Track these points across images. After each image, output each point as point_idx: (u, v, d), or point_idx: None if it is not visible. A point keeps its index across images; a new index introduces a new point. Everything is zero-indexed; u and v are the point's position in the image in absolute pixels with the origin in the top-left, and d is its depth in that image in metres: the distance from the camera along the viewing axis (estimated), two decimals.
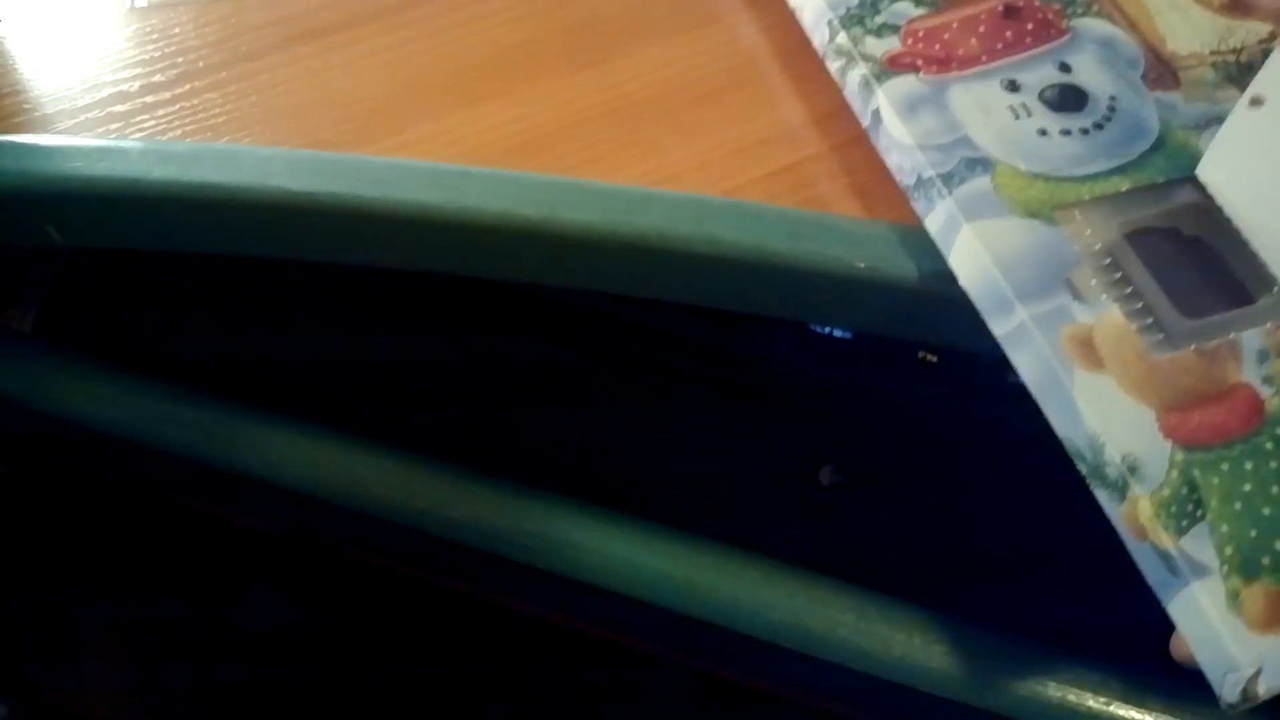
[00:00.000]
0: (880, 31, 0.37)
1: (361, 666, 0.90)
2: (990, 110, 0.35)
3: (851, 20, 0.37)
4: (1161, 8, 0.38)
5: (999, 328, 0.32)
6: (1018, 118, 0.35)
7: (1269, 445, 0.29)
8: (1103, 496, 0.30)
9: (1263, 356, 0.30)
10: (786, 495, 0.51)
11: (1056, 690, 0.44)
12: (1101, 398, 0.30)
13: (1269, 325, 0.31)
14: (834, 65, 0.37)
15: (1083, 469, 0.30)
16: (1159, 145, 0.34)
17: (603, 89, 0.39)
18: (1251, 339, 0.31)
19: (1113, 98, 0.35)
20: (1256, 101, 0.33)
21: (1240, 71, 0.36)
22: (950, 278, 0.33)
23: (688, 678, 0.61)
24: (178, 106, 0.38)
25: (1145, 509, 0.29)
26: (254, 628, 0.94)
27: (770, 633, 0.45)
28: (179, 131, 0.37)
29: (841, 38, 0.37)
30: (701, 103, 0.39)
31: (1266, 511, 0.28)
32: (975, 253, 0.32)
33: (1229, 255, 0.33)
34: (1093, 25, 0.37)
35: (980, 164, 0.34)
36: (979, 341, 0.33)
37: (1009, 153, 0.34)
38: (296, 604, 0.93)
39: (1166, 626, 0.29)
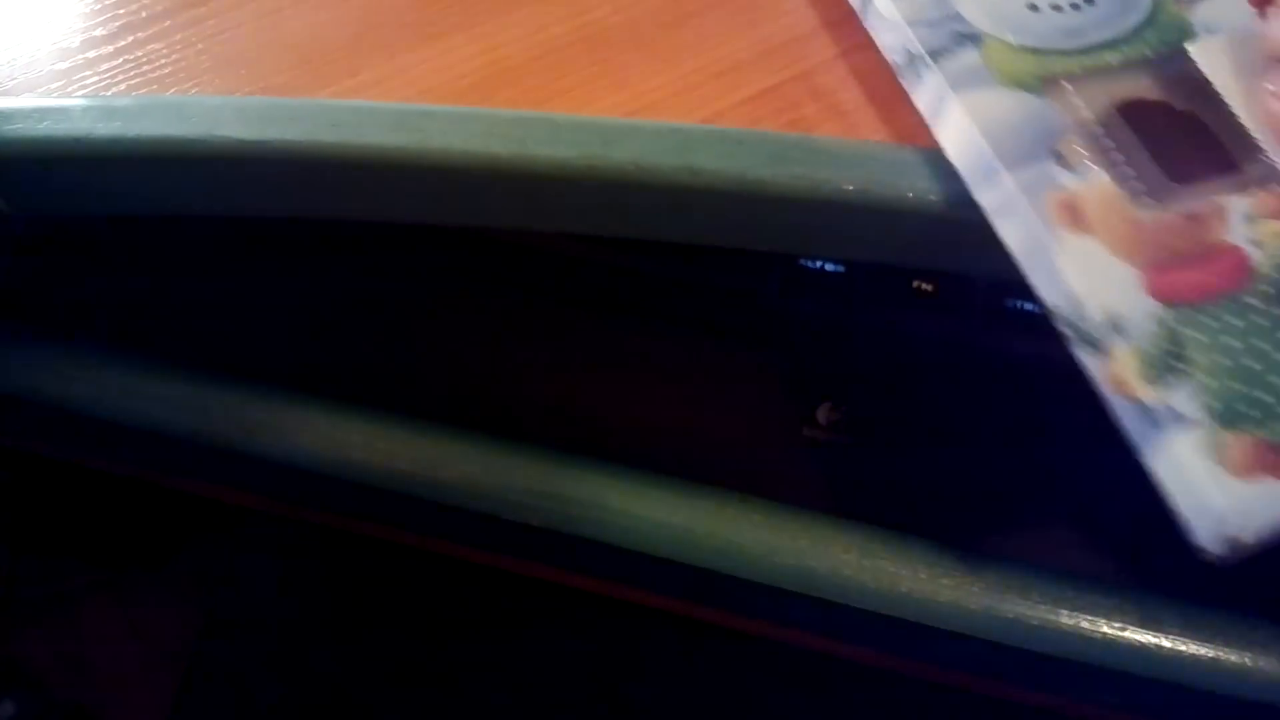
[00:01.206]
0: None
1: (364, 639, 0.89)
2: None
3: None
4: None
5: (987, 199, 0.32)
6: None
7: (1256, 301, 0.30)
8: (1086, 357, 0.30)
9: (1249, 220, 0.31)
10: (783, 436, 0.49)
11: (1069, 618, 0.43)
12: (1086, 259, 0.30)
13: (1255, 190, 0.31)
14: None
15: (1067, 332, 0.30)
16: (1151, 19, 0.34)
17: (570, 16, 0.37)
18: (1238, 203, 0.31)
19: None
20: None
21: None
22: (944, 198, 0.33)
23: (692, 629, 0.60)
24: (120, 60, 0.36)
25: (1127, 362, 0.29)
26: (256, 608, 0.93)
27: (773, 576, 0.43)
28: (123, 86, 0.35)
29: None
30: (675, 26, 0.37)
31: (1253, 365, 0.29)
32: (963, 124, 0.32)
33: (1218, 127, 0.33)
34: None
35: (970, 38, 0.34)
36: (974, 263, 0.31)
37: (999, 26, 0.34)
38: (297, 580, 0.92)
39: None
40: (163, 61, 0.36)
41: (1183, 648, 0.42)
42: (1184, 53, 0.34)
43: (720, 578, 0.44)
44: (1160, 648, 0.42)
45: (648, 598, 0.49)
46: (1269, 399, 0.28)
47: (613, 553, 0.45)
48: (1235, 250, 0.30)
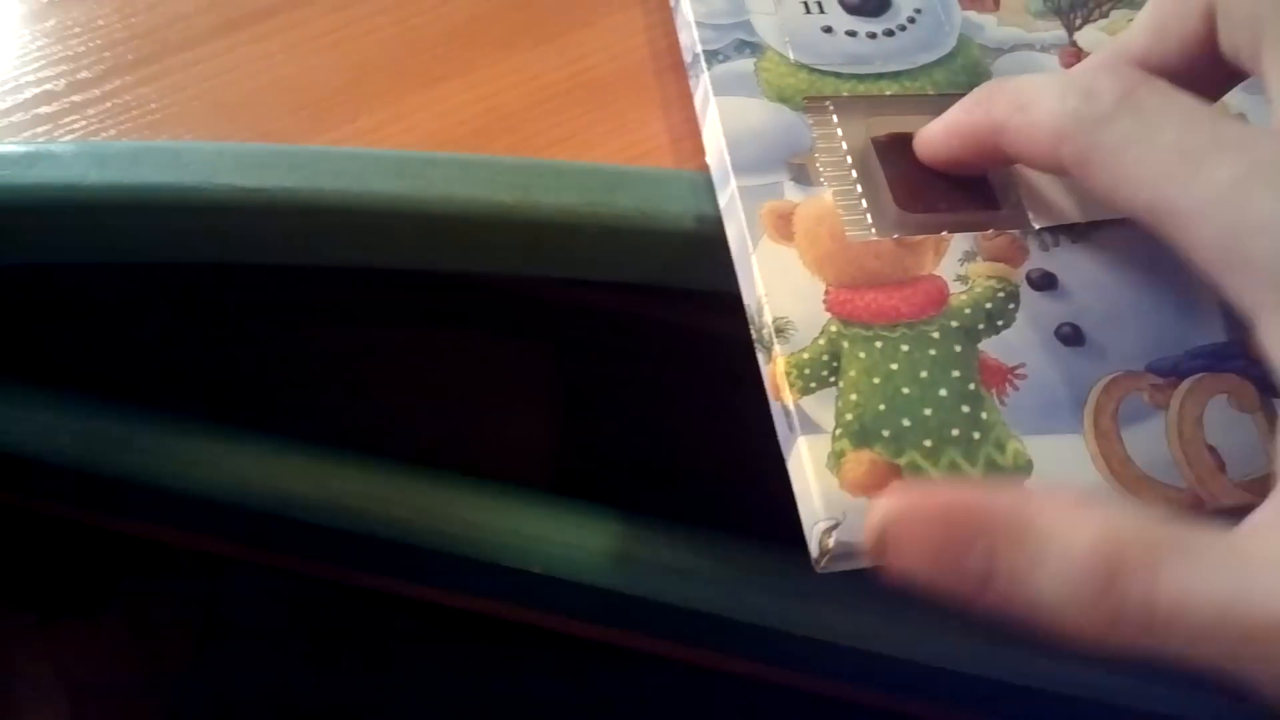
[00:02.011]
0: None
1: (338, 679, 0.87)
2: (784, 1, 0.36)
3: None
4: None
5: (720, 201, 0.33)
6: (808, 12, 0.36)
7: (936, 334, 0.30)
8: (761, 360, 0.30)
9: (968, 257, 0.32)
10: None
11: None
12: (777, 265, 0.31)
13: (990, 233, 0.32)
14: None
15: (753, 334, 0.31)
16: (948, 60, 0.36)
17: (565, 63, 0.37)
18: (964, 240, 0.32)
19: (918, 10, 0.37)
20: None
21: (1071, 5, 0.38)
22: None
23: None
24: (109, 104, 0.35)
25: (780, 367, 0.29)
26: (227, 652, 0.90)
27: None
28: (113, 131, 0.35)
29: None
30: (670, 72, 0.37)
31: (906, 391, 0.29)
32: (715, 128, 0.33)
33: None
34: None
35: (750, 47, 0.35)
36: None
37: (782, 41, 0.35)
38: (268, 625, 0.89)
39: None
40: (153, 106, 0.35)
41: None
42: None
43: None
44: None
45: (636, 640, 0.49)
46: (908, 425, 0.29)
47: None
48: (936, 281, 0.31)
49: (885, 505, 0.26)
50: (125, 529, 0.53)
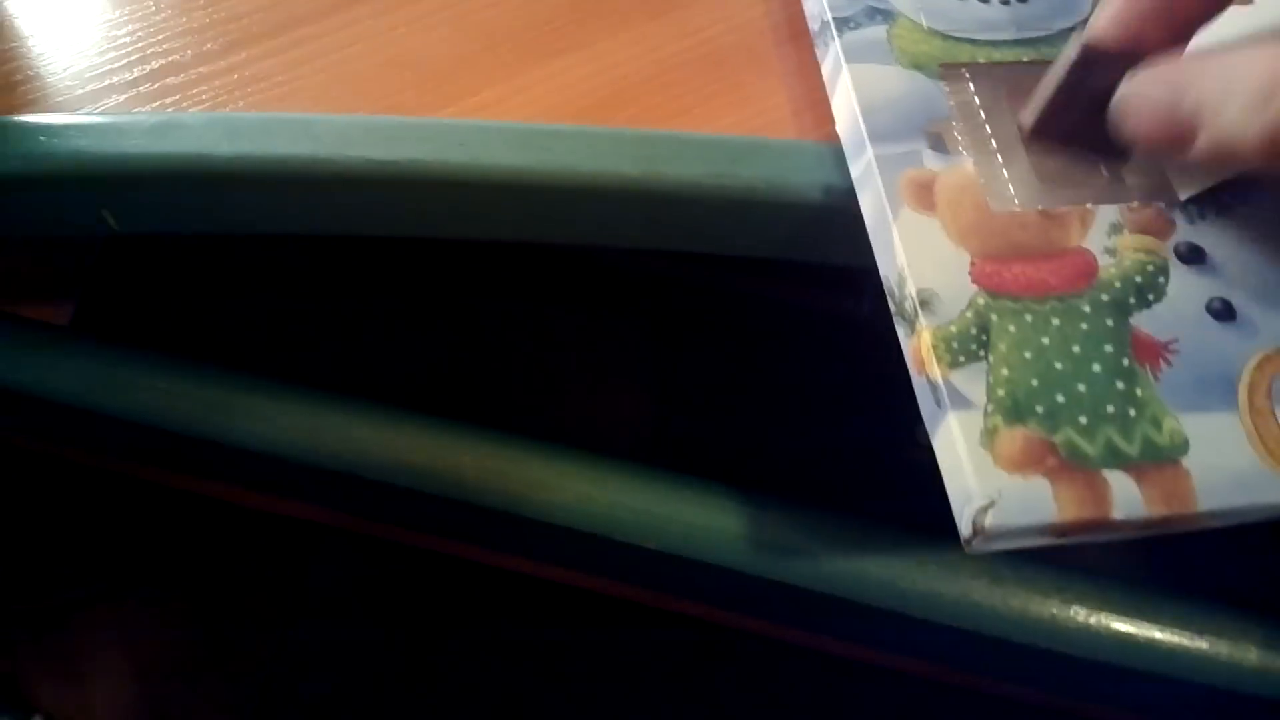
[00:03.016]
0: None
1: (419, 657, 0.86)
2: None
3: None
4: None
5: (854, 171, 0.32)
6: None
7: (1087, 308, 0.30)
8: (902, 333, 0.30)
9: (1115, 229, 0.31)
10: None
11: (1060, 609, 0.42)
12: (920, 236, 0.30)
13: (1134, 204, 0.31)
14: None
15: (892, 306, 0.30)
16: (1084, 25, 0.34)
17: (684, 34, 0.37)
18: (1109, 212, 0.31)
19: None
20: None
21: None
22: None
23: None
24: (235, 76, 0.35)
25: (926, 340, 0.29)
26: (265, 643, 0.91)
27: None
28: (241, 104, 0.35)
29: None
30: (790, 42, 0.37)
31: (1059, 365, 0.29)
32: (847, 96, 0.33)
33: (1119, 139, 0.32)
34: None
35: (883, 14, 0.34)
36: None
37: (914, 8, 0.35)
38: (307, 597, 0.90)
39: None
40: (279, 78, 0.35)
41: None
42: None
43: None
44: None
45: (735, 619, 0.49)
46: (1062, 401, 0.28)
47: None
48: (1084, 254, 0.30)
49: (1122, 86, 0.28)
50: (201, 489, 0.54)
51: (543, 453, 0.43)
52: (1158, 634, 0.41)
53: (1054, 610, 0.40)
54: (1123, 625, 0.41)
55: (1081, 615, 0.40)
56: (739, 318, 0.50)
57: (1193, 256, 0.31)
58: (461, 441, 0.43)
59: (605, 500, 0.41)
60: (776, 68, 0.36)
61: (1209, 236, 0.31)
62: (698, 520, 0.41)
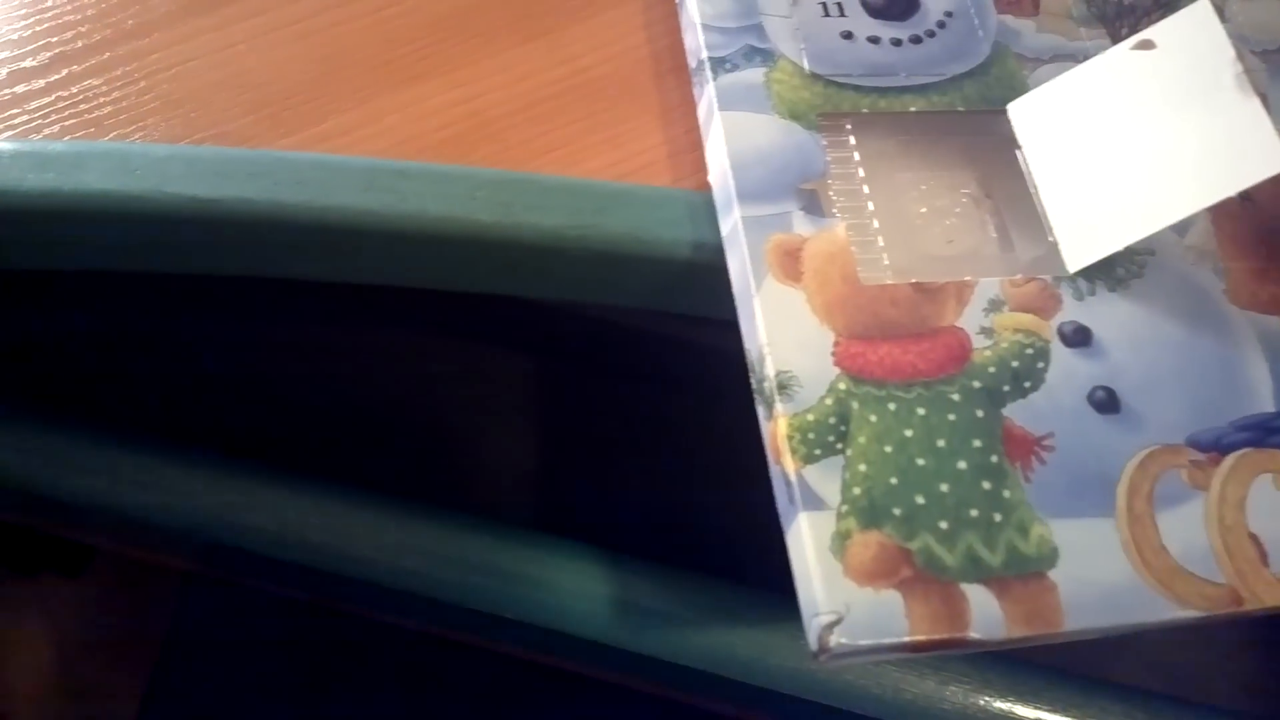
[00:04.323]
0: None
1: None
2: (800, 2, 0.32)
3: None
4: None
5: (723, 229, 0.30)
6: (827, 15, 0.33)
7: (956, 397, 0.27)
8: (761, 414, 0.27)
9: (994, 306, 0.29)
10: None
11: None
12: (783, 310, 0.28)
13: (1019, 278, 0.29)
14: None
15: (753, 383, 0.28)
16: (980, 71, 0.32)
17: (556, 63, 0.34)
18: (990, 286, 0.29)
19: (948, 13, 0.33)
20: (1145, 45, 0.30)
21: (1117, 13, 0.34)
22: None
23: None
24: (54, 97, 0.32)
25: (782, 429, 0.26)
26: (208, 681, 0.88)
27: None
28: (57, 128, 0.31)
29: None
30: (672, 75, 0.34)
31: (921, 462, 0.26)
32: (720, 147, 0.30)
33: (1006, 200, 0.30)
34: None
35: (762, 55, 0.32)
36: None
37: (796, 48, 0.32)
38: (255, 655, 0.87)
39: None
40: (101, 100, 0.32)
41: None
42: (1002, 112, 0.31)
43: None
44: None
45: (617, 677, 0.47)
46: (922, 503, 0.26)
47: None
48: (957, 335, 0.28)
49: None
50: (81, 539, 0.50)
51: (398, 511, 0.40)
52: (1036, 715, 0.39)
53: (930, 690, 0.38)
54: (1001, 705, 0.39)
55: (958, 696, 0.38)
56: (633, 353, 0.47)
57: (1078, 338, 0.28)
58: (314, 500, 0.40)
59: (460, 565, 0.39)
60: (655, 103, 0.33)
61: (1098, 316, 0.29)
62: (556, 588, 0.39)
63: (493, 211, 0.31)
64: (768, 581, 0.41)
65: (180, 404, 0.43)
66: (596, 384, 0.46)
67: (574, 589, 0.38)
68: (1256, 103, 0.28)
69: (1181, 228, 0.29)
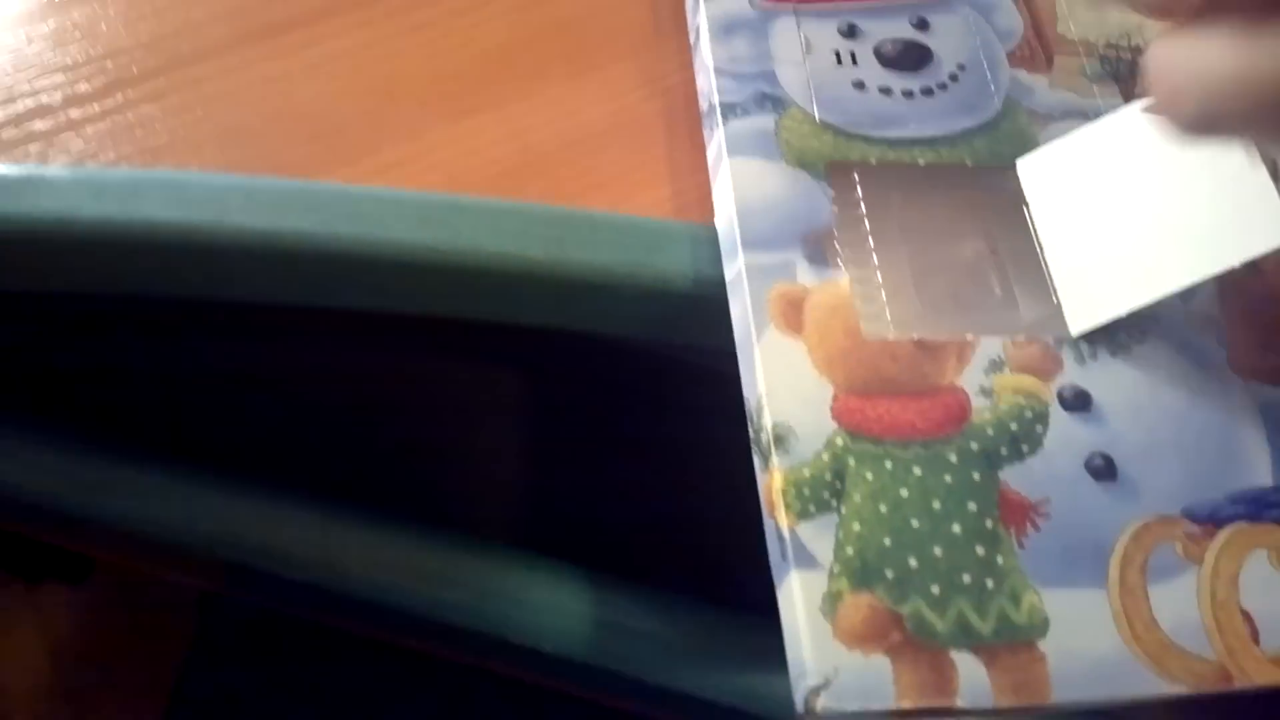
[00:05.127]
0: None
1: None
2: (814, 50, 0.33)
3: None
4: None
5: (727, 275, 0.30)
6: (839, 63, 0.33)
7: (953, 458, 0.27)
8: (757, 465, 0.28)
9: (995, 366, 0.29)
10: None
11: None
12: (783, 362, 0.28)
13: (1021, 338, 0.29)
14: None
15: (750, 432, 0.28)
16: (991, 126, 0.33)
17: (604, 99, 0.34)
18: (991, 345, 0.29)
19: (961, 66, 0.33)
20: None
21: (1131, 71, 0.35)
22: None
23: None
24: (109, 122, 0.32)
25: (777, 483, 0.27)
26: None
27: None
28: (112, 154, 0.32)
29: None
30: None
31: (916, 523, 0.27)
32: (726, 192, 0.31)
33: (1011, 258, 0.31)
34: None
35: (773, 102, 0.32)
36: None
37: (807, 96, 0.32)
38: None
39: None
40: (158, 127, 0.32)
41: None
42: (1011, 168, 0.32)
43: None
44: None
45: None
46: (915, 566, 0.26)
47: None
48: (957, 394, 0.28)
49: None
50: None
51: (384, 530, 0.40)
52: None
53: None
54: None
55: None
56: (628, 368, 0.47)
57: (1077, 403, 0.29)
58: (317, 518, 0.40)
59: (447, 582, 0.39)
60: (702, 140, 0.34)
61: (1098, 380, 0.29)
62: (540, 606, 0.39)
63: (545, 247, 0.31)
64: (757, 600, 0.42)
65: (173, 419, 0.44)
66: (586, 398, 0.47)
67: (557, 605, 0.39)
68: (1264, 172, 0.28)
69: (1186, 294, 0.30)
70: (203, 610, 0.82)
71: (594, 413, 0.47)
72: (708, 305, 0.32)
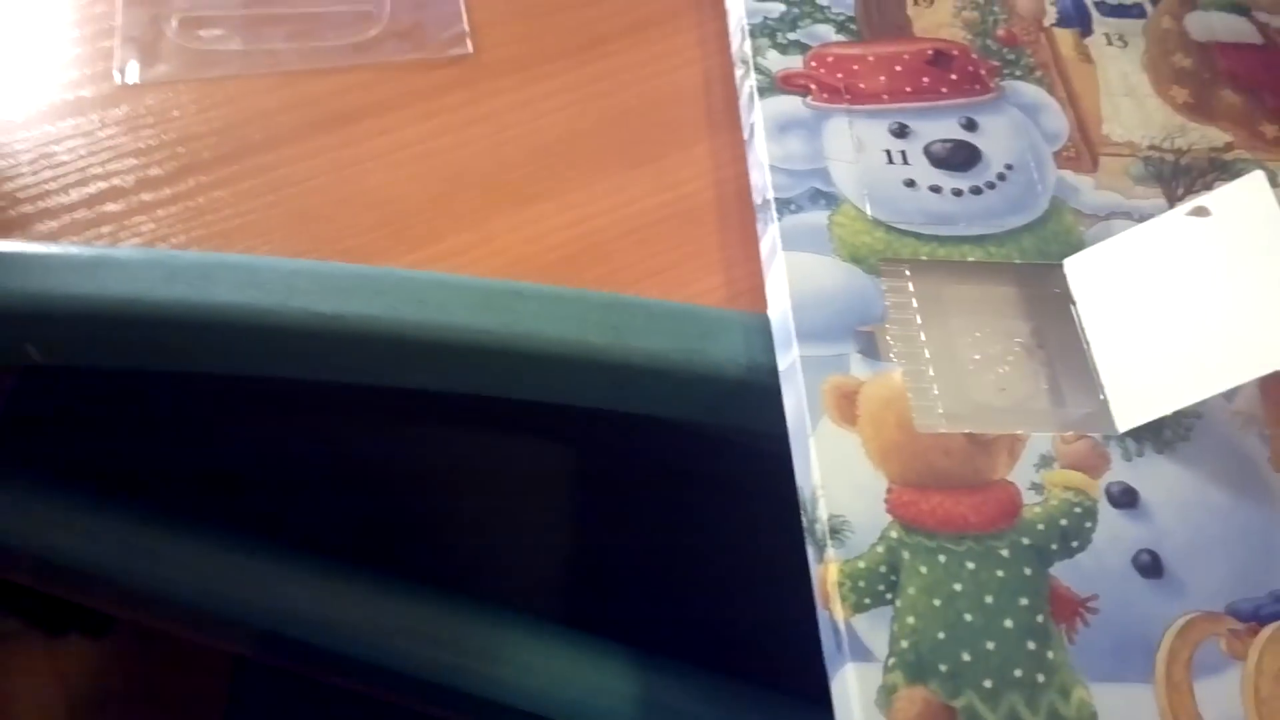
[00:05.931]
0: (788, 48, 0.35)
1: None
2: (865, 149, 0.34)
3: (761, 30, 0.36)
4: (1115, 90, 0.37)
5: (780, 365, 0.31)
6: (890, 162, 0.34)
7: (1005, 553, 0.28)
8: (811, 556, 0.28)
9: (1045, 462, 0.29)
10: None
11: None
12: (838, 454, 0.29)
13: (1070, 435, 0.30)
14: (737, 74, 0.36)
15: (804, 522, 0.29)
16: (1038, 225, 0.33)
17: (662, 188, 0.35)
18: (1041, 441, 0.30)
19: (1009, 166, 0.34)
20: (1200, 212, 0.31)
21: (1174, 173, 0.35)
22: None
23: None
24: (180, 206, 0.33)
25: (833, 575, 0.27)
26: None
27: None
28: (183, 238, 0.33)
29: (746, 45, 0.35)
30: None
31: (969, 618, 0.27)
32: (780, 286, 0.31)
33: (1059, 354, 0.31)
34: (1025, 90, 0.36)
35: (826, 198, 0.33)
36: None
37: (860, 194, 0.33)
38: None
39: None
40: (228, 212, 0.33)
41: None
42: (1058, 266, 0.32)
43: None
44: None
45: None
46: (968, 660, 0.26)
47: None
48: (1008, 489, 0.29)
49: None
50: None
51: (432, 604, 0.40)
52: None
53: None
54: None
55: None
56: (674, 450, 0.47)
57: (1125, 499, 0.29)
58: (339, 587, 0.40)
59: (484, 656, 0.39)
60: (753, 230, 0.34)
61: (1145, 477, 0.29)
62: (583, 685, 0.39)
63: (603, 334, 0.32)
64: (802, 687, 0.42)
65: (202, 489, 0.44)
66: (630, 477, 0.47)
67: (602, 686, 0.39)
68: None
69: (1230, 393, 0.30)
70: (237, 668, 0.82)
71: (643, 490, 0.47)
72: (759, 392, 0.33)
